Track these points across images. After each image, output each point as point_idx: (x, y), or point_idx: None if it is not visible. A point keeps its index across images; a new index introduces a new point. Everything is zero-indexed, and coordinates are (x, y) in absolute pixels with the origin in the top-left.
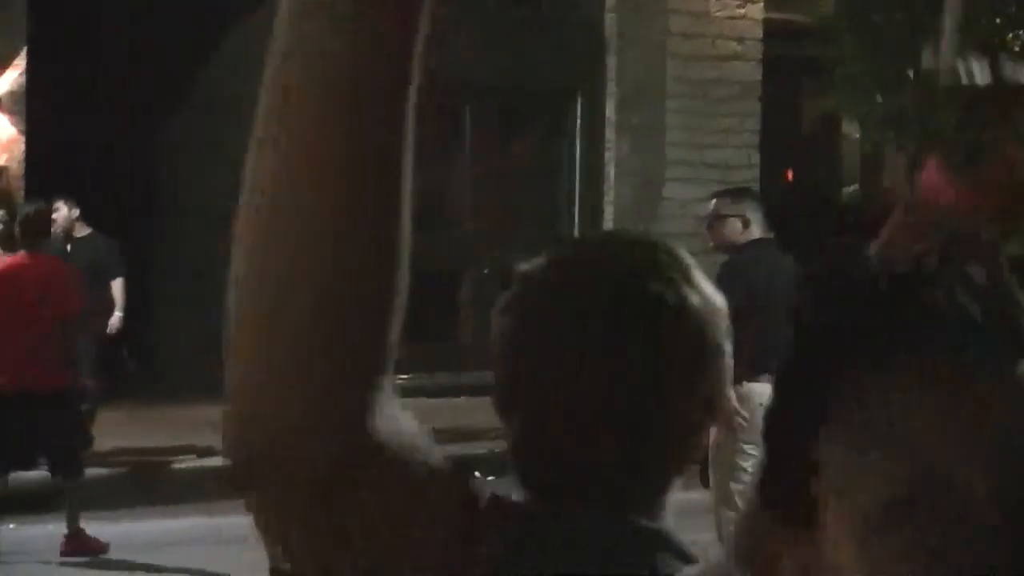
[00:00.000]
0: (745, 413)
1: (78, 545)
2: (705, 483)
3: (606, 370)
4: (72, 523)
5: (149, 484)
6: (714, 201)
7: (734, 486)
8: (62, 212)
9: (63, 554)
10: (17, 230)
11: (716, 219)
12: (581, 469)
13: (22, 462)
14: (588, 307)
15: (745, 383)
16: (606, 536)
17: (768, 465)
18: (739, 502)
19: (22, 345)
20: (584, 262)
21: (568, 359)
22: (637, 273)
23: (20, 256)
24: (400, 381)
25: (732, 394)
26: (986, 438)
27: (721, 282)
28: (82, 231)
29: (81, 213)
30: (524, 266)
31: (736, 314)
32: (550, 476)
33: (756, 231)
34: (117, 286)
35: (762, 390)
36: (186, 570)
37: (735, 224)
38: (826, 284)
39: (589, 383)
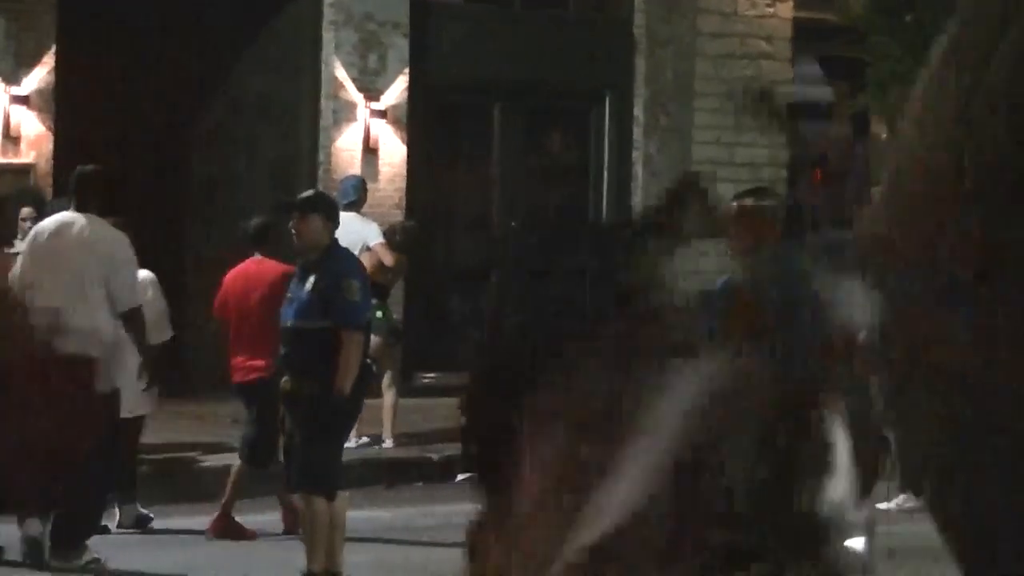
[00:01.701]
0: None
1: (227, 528)
2: None
3: None
4: (228, 506)
5: (176, 480)
6: (735, 202)
7: None
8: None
9: (212, 531)
10: (251, 235)
11: (735, 220)
12: None
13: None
14: None
15: None
16: None
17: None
18: None
19: (250, 343)
20: None
21: None
22: None
23: (253, 260)
24: (427, 380)
25: None
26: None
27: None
28: None
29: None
30: None
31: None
32: None
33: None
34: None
35: None
36: (214, 566)
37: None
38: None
39: None
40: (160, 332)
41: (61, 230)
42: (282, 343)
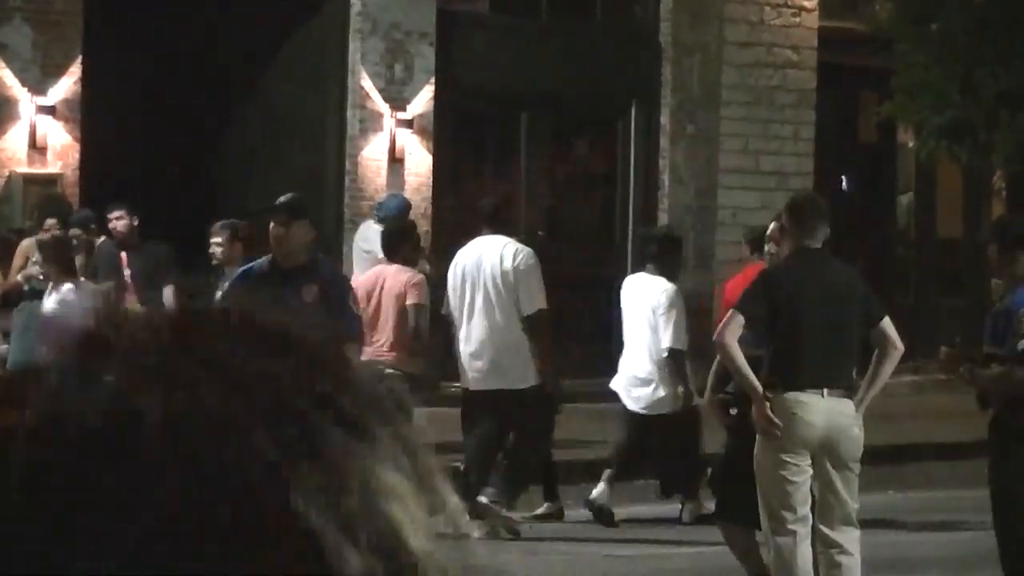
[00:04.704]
0: (779, 422)
1: None
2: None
3: None
4: None
5: None
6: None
7: (778, 498)
8: (123, 220)
9: None
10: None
11: (774, 227)
12: None
13: None
14: None
15: (781, 392)
16: None
17: None
18: (784, 513)
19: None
20: None
21: None
22: None
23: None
24: (455, 390)
25: (766, 403)
26: None
27: (756, 291)
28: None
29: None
30: None
31: (770, 323)
32: None
33: (802, 240)
34: (168, 293)
35: (796, 399)
36: None
37: (777, 232)
38: None
39: None
40: None
41: (483, 254)
42: None
